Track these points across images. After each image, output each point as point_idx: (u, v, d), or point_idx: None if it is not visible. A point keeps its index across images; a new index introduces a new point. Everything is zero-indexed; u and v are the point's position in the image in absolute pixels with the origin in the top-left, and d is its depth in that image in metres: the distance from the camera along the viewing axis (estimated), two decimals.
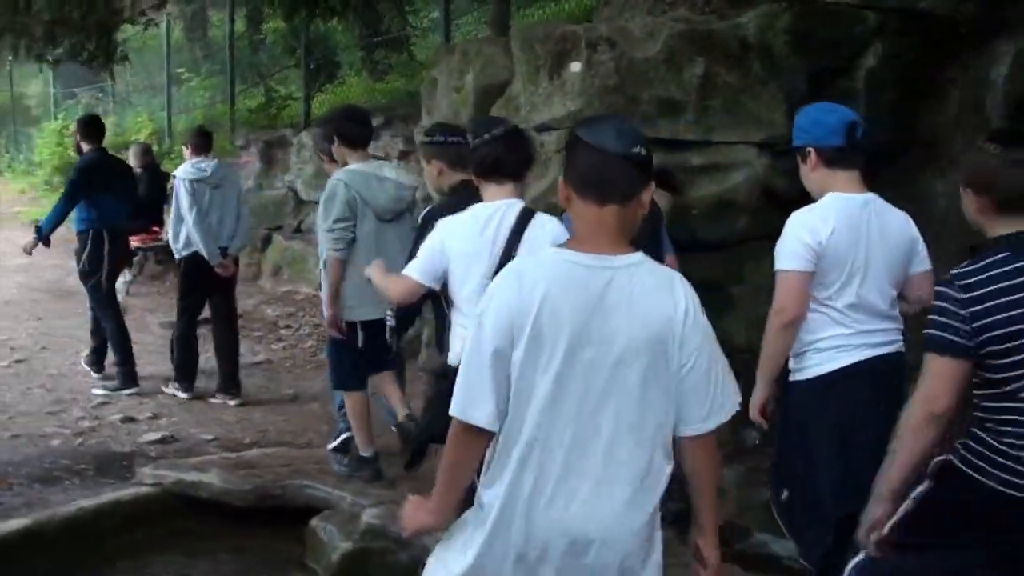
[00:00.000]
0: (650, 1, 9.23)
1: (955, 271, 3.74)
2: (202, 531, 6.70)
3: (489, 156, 4.90)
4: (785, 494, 4.98)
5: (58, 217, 10.17)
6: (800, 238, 4.67)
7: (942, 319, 3.69)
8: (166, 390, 9.86)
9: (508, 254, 4.66)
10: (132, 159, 15.12)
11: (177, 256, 9.87)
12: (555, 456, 3.17)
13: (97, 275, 10.13)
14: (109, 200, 10.09)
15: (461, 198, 5.31)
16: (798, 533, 5.03)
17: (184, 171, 9.76)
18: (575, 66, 8.61)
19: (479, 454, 3.29)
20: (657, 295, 3.21)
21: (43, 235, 10.10)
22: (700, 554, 3.44)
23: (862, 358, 4.75)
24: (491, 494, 3.24)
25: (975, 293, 3.66)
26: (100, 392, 9.86)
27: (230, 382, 9.67)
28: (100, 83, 22.67)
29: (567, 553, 3.19)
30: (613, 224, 3.20)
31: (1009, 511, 3.69)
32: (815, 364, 4.80)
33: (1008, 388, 3.70)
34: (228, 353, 9.75)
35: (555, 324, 3.13)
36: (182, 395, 9.73)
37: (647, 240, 5.10)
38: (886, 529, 3.86)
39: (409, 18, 16.68)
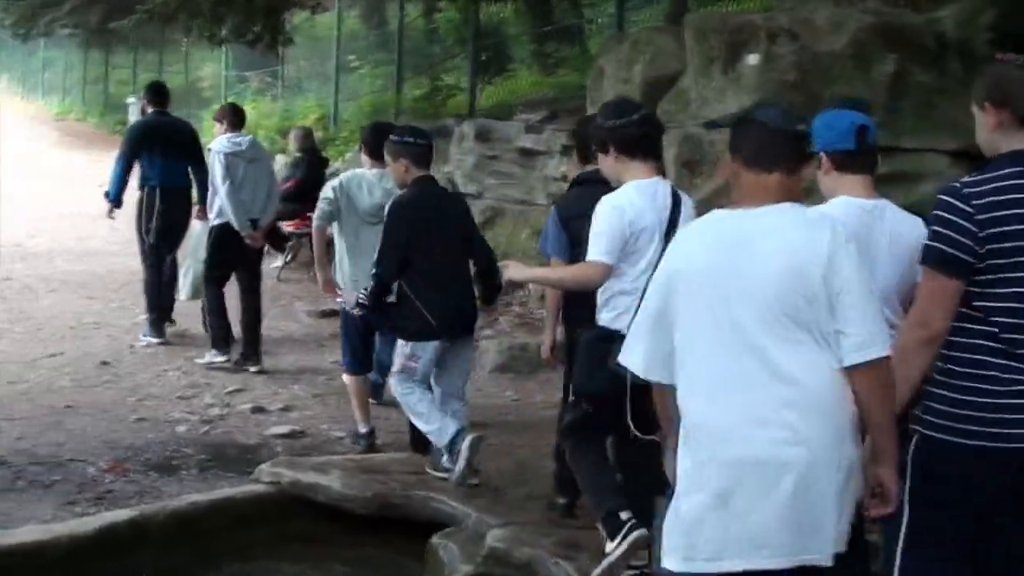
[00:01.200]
0: None
1: (964, 180, 3.62)
2: (316, 536, 6.30)
3: (636, 135, 5.14)
4: None
5: (116, 179, 10.63)
6: None
7: (946, 231, 3.56)
8: (200, 361, 9.88)
9: (672, 227, 5.00)
10: (292, 143, 14.96)
11: (209, 225, 10.15)
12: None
13: (146, 231, 10.52)
14: (159, 160, 10.47)
15: (421, 190, 6.76)
16: None
17: (220, 144, 9.95)
18: (752, 58, 8.01)
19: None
20: (806, 230, 3.50)
21: (111, 198, 10.63)
22: (882, 486, 3.56)
23: None
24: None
25: (985, 201, 3.53)
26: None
27: (251, 350, 9.85)
28: (272, 67, 22.65)
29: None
30: (776, 191, 3.55)
31: (979, 463, 3.56)
32: None
33: (989, 323, 3.57)
34: (250, 323, 9.96)
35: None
36: (220, 359, 9.80)
37: None
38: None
39: (584, 11, 16.15)
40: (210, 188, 9.97)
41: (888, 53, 7.32)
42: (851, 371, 3.41)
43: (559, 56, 15.52)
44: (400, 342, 6.69)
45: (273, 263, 14.06)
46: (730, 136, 3.64)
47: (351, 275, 7.75)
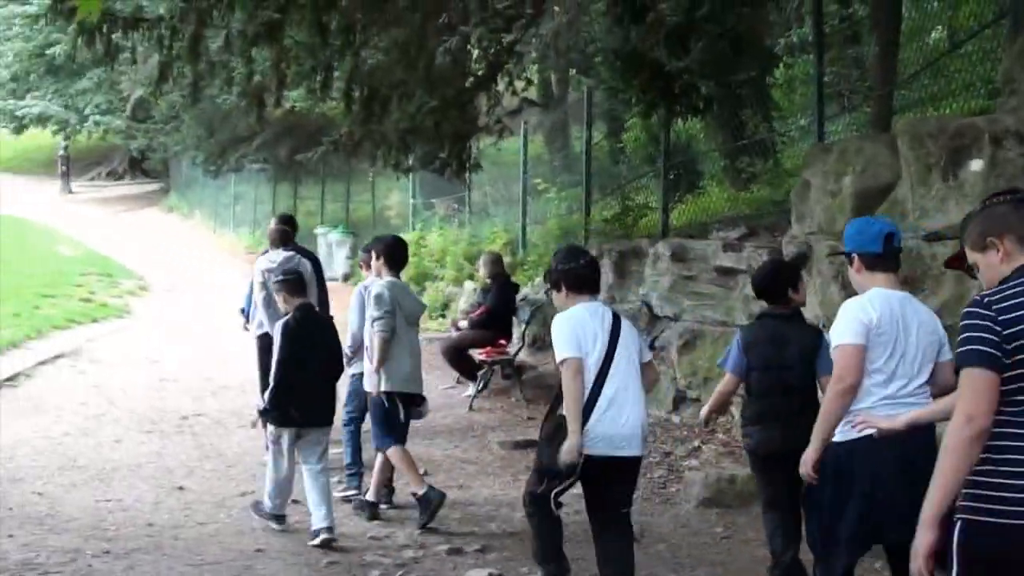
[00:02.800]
0: None
1: (984, 294, 4.06)
2: None
3: (585, 276, 6.85)
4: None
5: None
6: (857, 318, 5.50)
7: (977, 334, 3.95)
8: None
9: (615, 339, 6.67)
10: (481, 268, 14.74)
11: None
12: None
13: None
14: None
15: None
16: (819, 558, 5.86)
17: (261, 262, 11.04)
18: (975, 164, 7.43)
19: None
20: None
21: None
22: None
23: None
24: None
25: (1005, 304, 3.96)
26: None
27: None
28: (458, 193, 22.66)
29: None
30: None
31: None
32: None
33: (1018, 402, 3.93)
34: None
35: None
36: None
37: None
38: None
39: (776, 124, 15.67)
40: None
41: None
42: None
43: (751, 171, 15.06)
44: None
45: (464, 392, 13.76)
46: (994, 219, 4.12)
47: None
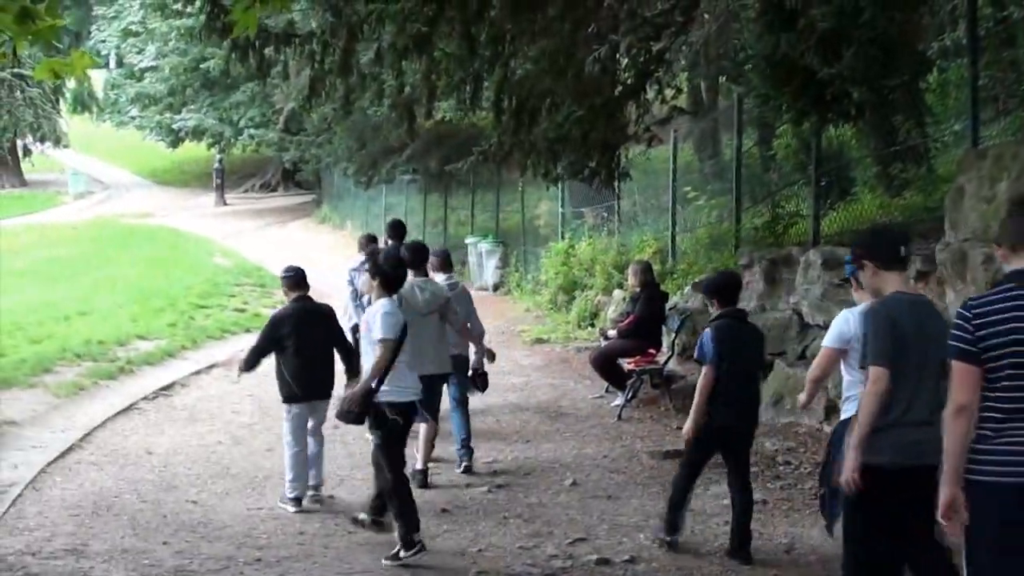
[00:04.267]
0: None
1: (969, 299, 5.29)
2: None
3: None
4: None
5: None
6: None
7: (957, 333, 5.15)
8: None
9: None
10: (631, 277, 14.69)
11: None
12: None
13: None
14: None
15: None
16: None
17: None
18: None
19: None
20: None
21: None
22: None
23: None
24: None
25: (981, 310, 5.11)
26: None
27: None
28: (607, 202, 22.59)
29: None
30: None
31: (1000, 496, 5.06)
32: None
33: (996, 386, 5.09)
34: None
35: None
36: None
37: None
38: None
39: (929, 130, 15.31)
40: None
41: None
42: None
43: (904, 177, 14.74)
44: None
45: (613, 402, 13.71)
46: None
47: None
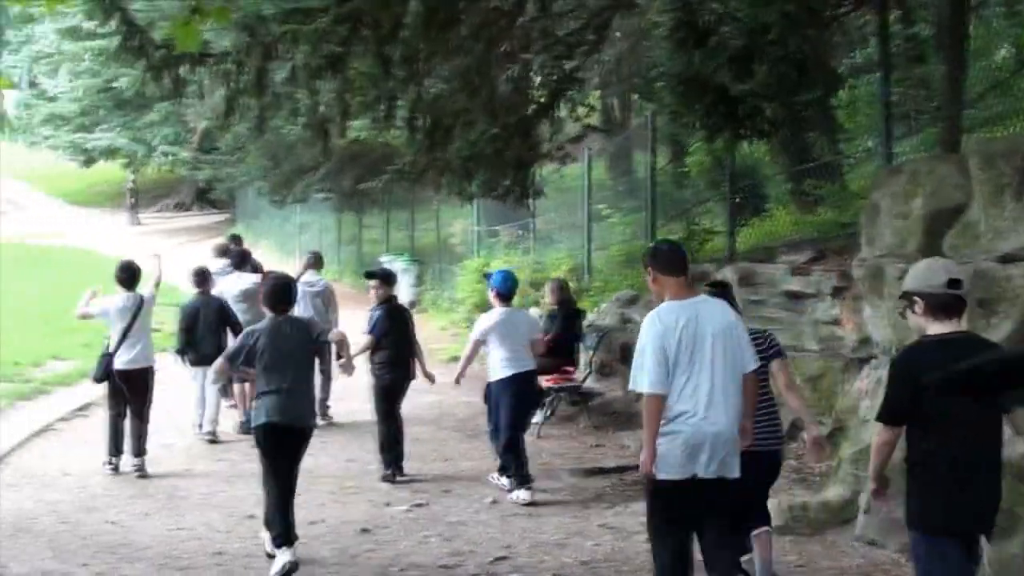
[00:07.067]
0: None
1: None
2: None
3: None
4: None
5: None
6: None
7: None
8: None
9: None
10: (547, 295, 14.72)
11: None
12: None
13: None
14: None
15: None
16: None
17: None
18: None
19: None
20: None
21: None
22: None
23: None
24: None
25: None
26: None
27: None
28: (522, 220, 22.67)
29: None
30: None
31: None
32: None
33: None
34: None
35: None
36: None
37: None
38: None
39: (841, 146, 15.52)
40: None
41: None
42: None
43: (817, 194, 14.93)
44: None
45: (532, 419, 13.70)
46: None
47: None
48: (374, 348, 11.54)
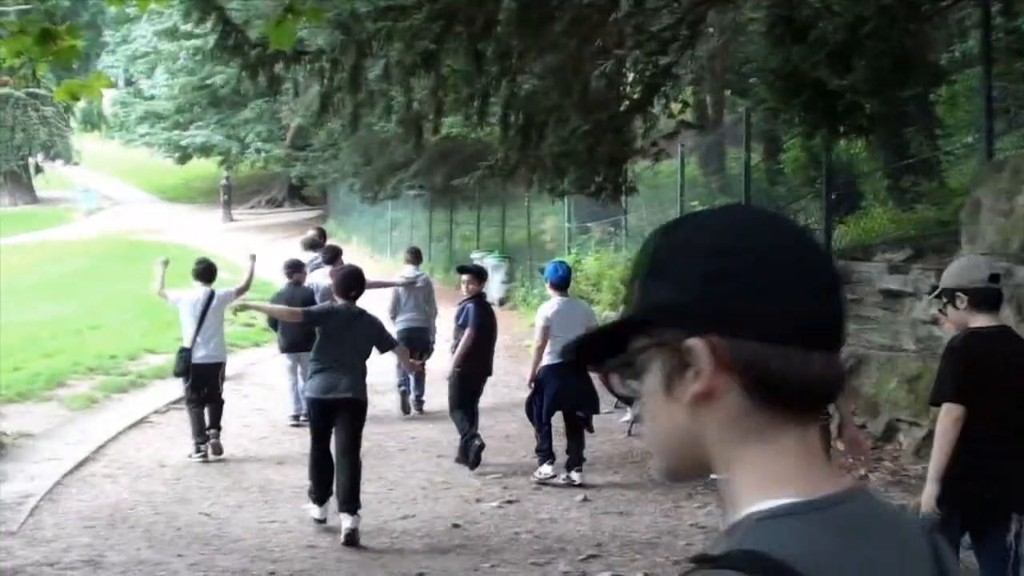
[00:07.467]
0: None
1: None
2: None
3: None
4: None
5: None
6: None
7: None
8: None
9: None
10: None
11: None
12: None
13: None
14: None
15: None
16: None
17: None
18: None
19: None
20: None
21: None
22: None
23: None
24: None
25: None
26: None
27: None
28: (614, 217, 22.57)
29: None
30: None
31: None
32: None
33: None
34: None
35: None
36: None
37: None
38: None
39: (940, 142, 15.25)
40: None
41: None
42: None
43: (916, 191, 14.69)
44: None
45: (623, 417, 13.63)
46: None
47: None
48: (458, 339, 11.94)
